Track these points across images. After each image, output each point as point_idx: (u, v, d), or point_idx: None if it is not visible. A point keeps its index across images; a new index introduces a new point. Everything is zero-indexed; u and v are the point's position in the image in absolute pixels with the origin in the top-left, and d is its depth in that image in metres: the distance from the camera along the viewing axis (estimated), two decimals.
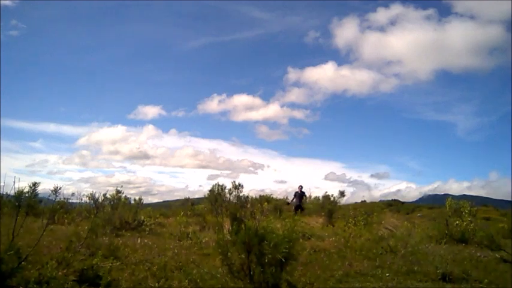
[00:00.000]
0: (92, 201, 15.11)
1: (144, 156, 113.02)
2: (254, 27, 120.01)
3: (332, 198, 19.93)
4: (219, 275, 5.92)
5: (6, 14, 78.37)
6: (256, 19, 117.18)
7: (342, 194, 19.59)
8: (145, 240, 10.68)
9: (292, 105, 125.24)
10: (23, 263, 5.08)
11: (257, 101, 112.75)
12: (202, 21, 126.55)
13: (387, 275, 7.17)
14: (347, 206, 22.23)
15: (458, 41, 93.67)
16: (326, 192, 20.73)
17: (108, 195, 15.78)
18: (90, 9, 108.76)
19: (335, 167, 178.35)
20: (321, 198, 20.74)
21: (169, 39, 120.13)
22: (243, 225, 5.20)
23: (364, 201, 33.14)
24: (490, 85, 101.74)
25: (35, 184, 5.41)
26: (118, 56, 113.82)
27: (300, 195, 18.72)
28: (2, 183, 5.34)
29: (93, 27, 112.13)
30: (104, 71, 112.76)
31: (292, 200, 19.08)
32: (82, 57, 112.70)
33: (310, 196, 19.47)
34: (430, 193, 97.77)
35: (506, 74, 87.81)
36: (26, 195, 5.27)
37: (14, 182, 5.32)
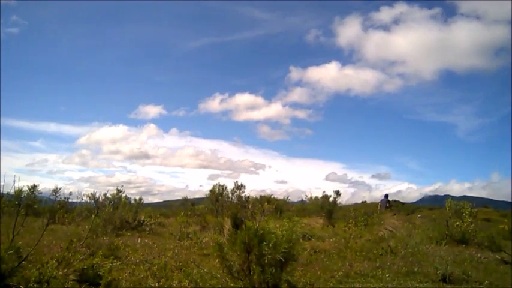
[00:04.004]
0: (93, 201, 15.17)
1: (144, 156, 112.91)
2: (255, 28, 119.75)
3: (331, 198, 20.05)
4: (219, 275, 5.92)
5: (6, 10, 78.28)
6: (256, 19, 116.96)
7: (337, 193, 19.95)
8: (146, 240, 10.69)
9: (295, 105, 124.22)
10: (23, 262, 5.09)
11: (259, 100, 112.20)
12: (202, 22, 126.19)
13: (387, 275, 7.17)
14: (347, 207, 22.21)
15: (463, 41, 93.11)
16: (324, 192, 20.85)
17: (108, 195, 15.87)
18: (91, 8, 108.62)
19: (336, 168, 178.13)
20: (319, 198, 20.91)
21: (170, 39, 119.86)
22: (243, 226, 5.20)
23: (365, 201, 33.11)
24: (491, 86, 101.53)
25: (34, 186, 5.41)
26: (119, 56, 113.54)
27: (385, 202, 19.93)
28: (2, 183, 5.36)
29: (94, 27, 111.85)
30: (105, 70, 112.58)
31: (379, 209, 19.98)
32: (83, 57, 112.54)
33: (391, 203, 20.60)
34: (431, 194, 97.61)
35: (507, 74, 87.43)
36: (25, 195, 5.27)
37: (14, 181, 5.33)
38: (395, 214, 18.92)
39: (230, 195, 19.93)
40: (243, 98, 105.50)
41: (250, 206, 15.82)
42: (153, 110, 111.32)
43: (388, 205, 19.95)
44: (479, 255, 9.60)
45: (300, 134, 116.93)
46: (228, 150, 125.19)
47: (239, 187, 20.13)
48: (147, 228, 13.53)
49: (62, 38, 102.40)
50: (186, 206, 23.19)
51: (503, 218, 19.78)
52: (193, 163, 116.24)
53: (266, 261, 5.08)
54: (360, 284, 6.62)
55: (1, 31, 74.52)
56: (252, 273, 5.14)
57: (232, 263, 5.28)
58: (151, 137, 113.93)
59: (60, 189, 5.71)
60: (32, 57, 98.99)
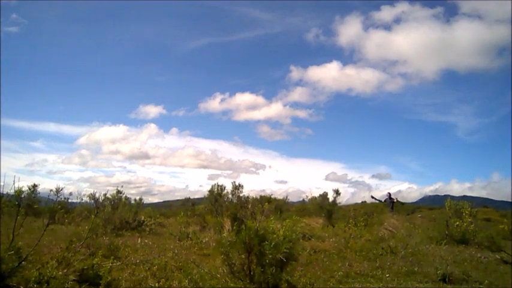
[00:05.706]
0: (93, 201, 15.14)
1: (144, 156, 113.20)
2: (255, 28, 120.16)
3: (331, 198, 20.05)
4: (219, 275, 5.91)
5: (6, 9, 78.37)
6: (257, 19, 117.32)
7: (337, 192, 20.01)
8: (146, 240, 10.69)
9: (295, 105, 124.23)
10: (23, 262, 5.08)
11: (260, 99, 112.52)
12: (203, 22, 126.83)
13: (387, 275, 7.17)
14: (347, 207, 22.23)
15: (465, 41, 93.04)
16: (324, 191, 20.84)
17: (108, 195, 15.84)
18: (92, 9, 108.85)
19: (336, 168, 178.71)
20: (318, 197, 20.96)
21: (170, 39, 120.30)
22: (243, 226, 5.20)
23: (365, 201, 33.11)
24: (491, 86, 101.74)
25: (34, 186, 5.40)
26: (119, 56, 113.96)
27: (389, 202, 20.74)
28: (1, 183, 5.34)
29: (95, 27, 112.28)
30: (106, 70, 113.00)
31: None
32: (83, 57, 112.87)
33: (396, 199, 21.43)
34: (431, 194, 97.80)
35: (508, 74, 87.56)
36: (25, 195, 5.26)
37: (14, 181, 5.31)
38: (394, 214, 18.99)
39: (229, 195, 19.89)
40: (244, 98, 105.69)
41: (250, 206, 15.80)
42: (153, 110, 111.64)
43: (392, 206, 20.29)
44: (479, 255, 9.60)
45: (301, 134, 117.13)
46: (228, 150, 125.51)
47: (237, 187, 20.08)
48: (147, 229, 13.52)
49: (62, 37, 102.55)
50: (186, 206, 23.18)
51: (503, 218, 19.76)
52: (193, 163, 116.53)
53: (267, 261, 5.08)
54: (360, 284, 6.61)
55: (1, 30, 74.45)
56: (252, 273, 5.14)
57: (233, 262, 5.28)
58: (151, 137, 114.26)
59: (62, 189, 5.67)
60: (32, 57, 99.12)
